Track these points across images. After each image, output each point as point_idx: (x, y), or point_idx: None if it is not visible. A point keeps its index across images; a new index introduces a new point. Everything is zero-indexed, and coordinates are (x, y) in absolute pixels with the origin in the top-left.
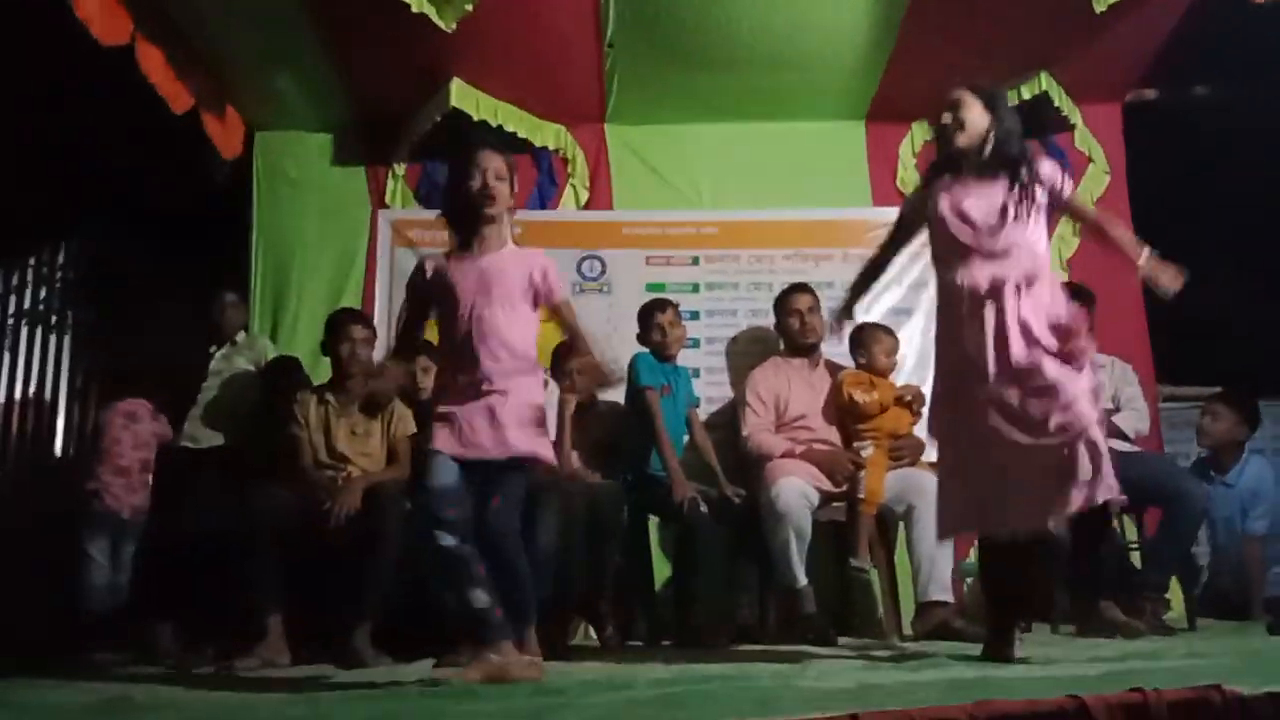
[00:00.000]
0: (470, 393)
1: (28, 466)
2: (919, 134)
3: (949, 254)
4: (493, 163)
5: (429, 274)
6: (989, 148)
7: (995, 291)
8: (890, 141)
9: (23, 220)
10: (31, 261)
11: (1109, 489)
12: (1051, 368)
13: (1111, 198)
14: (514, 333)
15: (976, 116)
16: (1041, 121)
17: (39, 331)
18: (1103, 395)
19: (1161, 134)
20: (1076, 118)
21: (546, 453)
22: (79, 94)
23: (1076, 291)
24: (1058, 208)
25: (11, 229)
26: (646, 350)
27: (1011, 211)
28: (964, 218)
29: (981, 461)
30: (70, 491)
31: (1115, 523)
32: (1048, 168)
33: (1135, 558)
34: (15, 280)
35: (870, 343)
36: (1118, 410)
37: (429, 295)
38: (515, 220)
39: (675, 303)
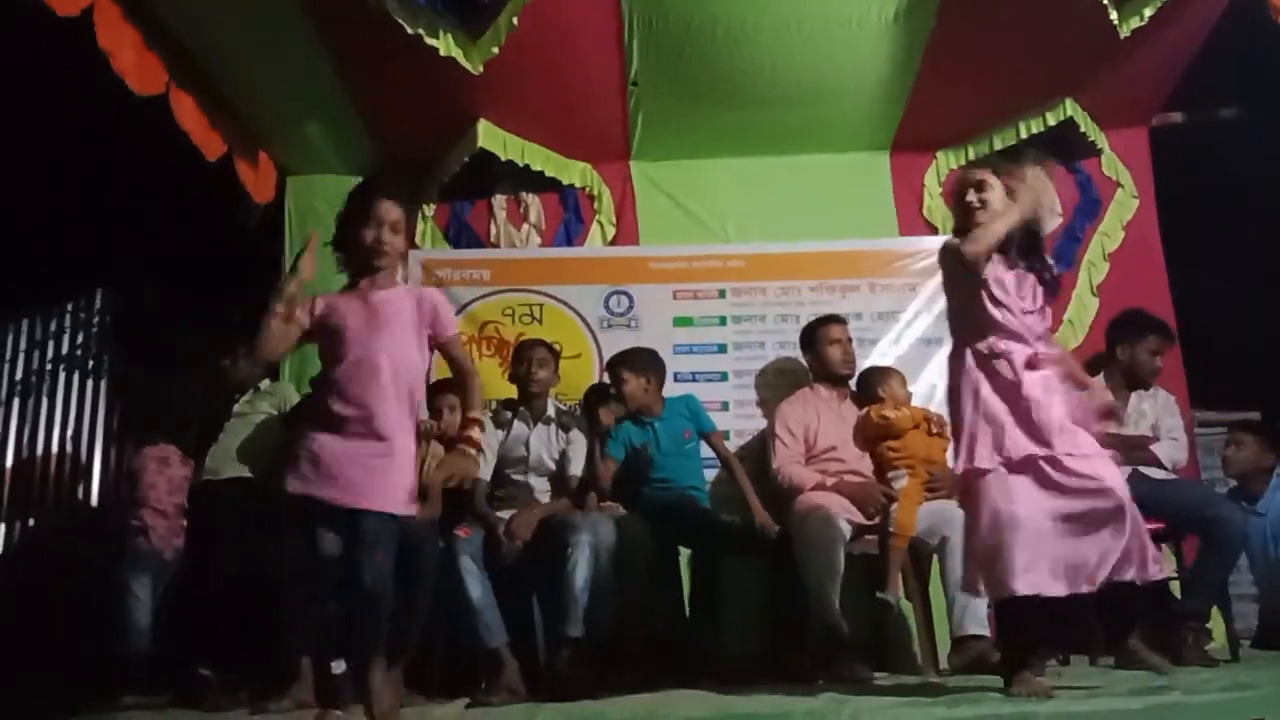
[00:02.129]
0: (349, 429)
1: (66, 511)
2: (944, 163)
3: (981, 323)
4: (390, 216)
5: (317, 310)
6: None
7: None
8: (915, 171)
9: (60, 267)
10: (69, 307)
11: (1150, 571)
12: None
13: (1141, 222)
14: (402, 371)
15: (998, 201)
16: (1068, 148)
17: (76, 377)
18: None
19: (1189, 157)
20: (1103, 143)
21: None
22: (115, 142)
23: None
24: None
25: (49, 275)
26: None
27: (1037, 300)
28: (1005, 292)
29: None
30: (109, 535)
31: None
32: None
33: (1175, 587)
34: (54, 326)
35: (884, 379)
36: (1157, 439)
37: (312, 331)
38: (543, 258)
39: (629, 358)
